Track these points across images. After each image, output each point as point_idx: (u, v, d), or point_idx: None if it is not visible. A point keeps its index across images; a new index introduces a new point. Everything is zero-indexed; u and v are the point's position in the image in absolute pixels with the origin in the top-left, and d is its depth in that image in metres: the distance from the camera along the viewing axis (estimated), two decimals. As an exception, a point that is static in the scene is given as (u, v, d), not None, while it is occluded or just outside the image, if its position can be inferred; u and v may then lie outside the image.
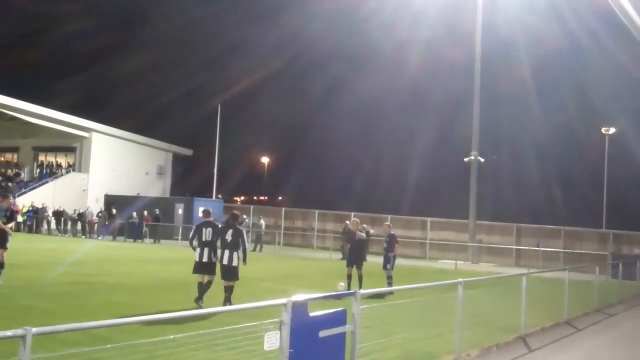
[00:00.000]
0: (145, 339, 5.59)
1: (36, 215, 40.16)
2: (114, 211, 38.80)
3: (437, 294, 10.16)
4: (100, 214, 39.46)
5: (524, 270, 15.31)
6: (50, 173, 50.80)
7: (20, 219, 35.88)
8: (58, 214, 40.76)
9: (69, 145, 50.75)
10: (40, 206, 41.18)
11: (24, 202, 40.96)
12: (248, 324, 5.91)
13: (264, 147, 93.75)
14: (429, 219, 37.79)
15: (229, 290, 11.89)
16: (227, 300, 11.76)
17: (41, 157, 53.91)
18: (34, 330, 3.99)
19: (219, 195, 53.39)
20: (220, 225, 12.51)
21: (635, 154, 48.14)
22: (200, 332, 5.99)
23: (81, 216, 39.88)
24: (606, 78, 62.48)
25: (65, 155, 52.43)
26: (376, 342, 8.12)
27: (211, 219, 12.76)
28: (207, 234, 12.24)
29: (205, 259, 12.18)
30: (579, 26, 41.93)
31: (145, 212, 37.24)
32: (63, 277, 16.22)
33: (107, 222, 38.33)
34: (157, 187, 53.27)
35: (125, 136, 51.99)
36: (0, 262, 13.90)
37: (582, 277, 17.37)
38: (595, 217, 44.22)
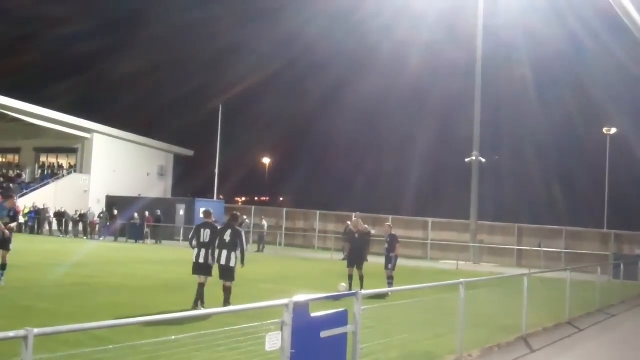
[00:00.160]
0: (146, 340, 5.60)
1: (38, 216, 40.19)
2: (116, 212, 38.84)
3: (439, 295, 10.15)
4: (101, 215, 39.49)
5: (525, 271, 15.28)
6: (51, 174, 50.87)
7: (21, 219, 35.90)
8: (59, 215, 40.81)
9: (70, 147, 50.81)
10: (41, 207, 41.21)
11: (25, 203, 40.99)
12: (249, 325, 5.91)
13: (265, 148, 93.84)
14: (430, 220, 37.79)
15: (227, 291, 11.87)
16: (226, 302, 11.75)
17: (43, 158, 53.98)
18: (36, 331, 4.00)
19: (221, 196, 53.39)
20: (220, 227, 12.50)
21: (636, 154, 48.12)
22: (202, 332, 5.99)
23: (83, 217, 39.92)
24: (607, 78, 62.43)
25: (67, 156, 52.51)
26: (378, 343, 8.12)
27: (213, 220, 12.75)
28: (205, 235, 12.23)
29: (201, 260, 12.17)
30: (580, 27, 41.92)
31: (147, 213, 37.27)
32: (64, 278, 16.23)
33: (108, 223, 38.36)
34: (158, 188, 53.32)
35: (126, 137, 52.04)
36: (2, 263, 13.95)
37: (584, 277, 17.36)
38: (597, 217, 44.23)
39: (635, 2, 10.37)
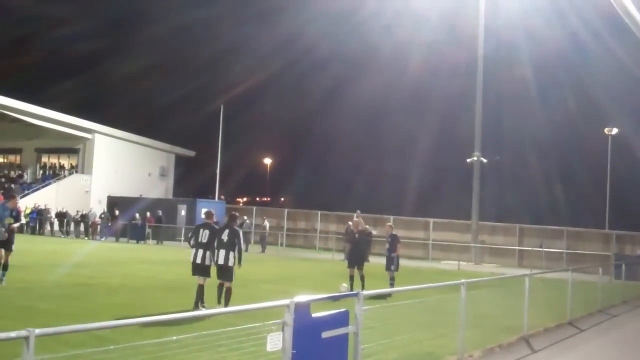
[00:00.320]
0: (148, 340, 5.60)
1: (39, 217, 40.23)
2: (117, 212, 38.87)
3: (440, 295, 10.15)
4: (103, 216, 39.53)
5: (526, 271, 15.28)
6: (53, 174, 50.92)
7: (23, 220, 35.94)
8: (61, 216, 40.85)
9: (71, 147, 50.85)
10: (43, 207, 41.25)
11: (27, 203, 41.02)
12: (251, 325, 5.91)
13: (267, 148, 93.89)
14: (431, 220, 37.79)
15: (227, 292, 11.83)
16: (227, 302, 11.71)
17: (44, 159, 54.02)
18: (37, 331, 4.00)
19: (222, 197, 53.44)
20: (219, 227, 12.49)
21: (638, 154, 48.06)
22: (203, 333, 6.00)
23: (84, 217, 39.96)
24: (608, 79, 62.37)
25: (68, 157, 52.54)
26: (379, 343, 8.12)
27: (214, 220, 12.74)
28: (203, 235, 12.23)
29: (198, 260, 12.17)
30: (581, 27, 41.91)
31: (148, 214, 37.29)
32: (66, 279, 16.24)
33: (109, 224, 38.40)
34: (159, 189, 53.36)
35: (127, 137, 52.09)
36: (5, 263, 13.97)
37: (585, 277, 17.36)
38: (598, 217, 44.17)
39: (636, 2, 10.36)
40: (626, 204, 49.58)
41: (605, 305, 16.09)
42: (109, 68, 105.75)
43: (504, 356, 9.66)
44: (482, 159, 35.56)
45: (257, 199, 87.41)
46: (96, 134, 49.86)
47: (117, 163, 50.16)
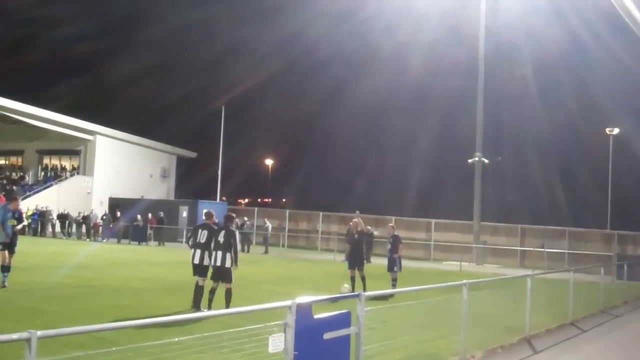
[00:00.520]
0: (150, 342, 5.60)
1: (41, 218, 40.25)
2: (118, 214, 38.88)
3: (442, 296, 10.13)
4: (104, 217, 39.55)
5: (528, 272, 15.24)
6: (54, 176, 50.98)
7: (25, 222, 35.98)
8: (63, 217, 40.87)
9: (73, 148, 50.93)
10: (44, 209, 41.27)
11: (28, 205, 41.08)
12: (252, 326, 5.91)
13: (268, 149, 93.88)
14: (433, 221, 37.77)
15: (227, 293, 11.80)
16: (227, 303, 11.68)
17: (45, 160, 54.09)
18: (39, 333, 4.01)
19: (223, 198, 53.45)
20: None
21: (639, 154, 48.01)
22: (205, 334, 6.00)
23: (85, 219, 39.99)
24: (610, 79, 62.34)
25: (70, 158, 52.62)
26: (381, 344, 8.12)
27: (215, 221, 12.74)
28: (202, 235, 12.24)
29: (196, 261, 12.18)
30: (582, 27, 41.87)
31: (150, 215, 37.31)
32: (67, 280, 16.25)
33: (111, 225, 38.42)
34: (161, 190, 53.40)
35: (129, 139, 52.14)
36: (7, 265, 13.98)
37: (587, 278, 17.34)
38: (600, 218, 44.13)
39: (636, 2, 10.36)
40: (628, 204, 49.55)
41: (607, 305, 16.07)
42: (110, 69, 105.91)
43: (506, 357, 9.65)
44: (484, 159, 35.54)
45: (259, 200, 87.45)
46: (97, 136, 49.92)
47: (118, 164, 50.21)
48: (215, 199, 47.75)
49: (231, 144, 55.38)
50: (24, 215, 16.14)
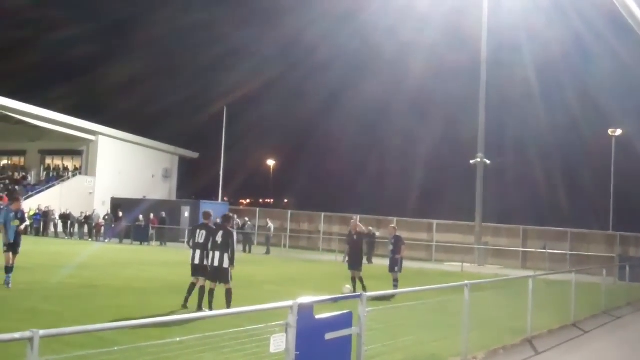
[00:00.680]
0: (151, 341, 5.61)
1: (43, 218, 40.31)
2: (121, 214, 38.91)
3: (443, 297, 10.14)
4: (106, 217, 39.58)
5: (530, 273, 15.26)
6: (57, 176, 51.03)
7: (27, 222, 36.01)
8: (65, 217, 40.91)
9: (75, 149, 50.98)
10: (47, 209, 41.32)
11: (31, 205, 41.12)
12: (254, 327, 5.92)
13: (270, 150, 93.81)
14: (435, 222, 37.75)
15: (227, 293, 11.79)
16: (228, 303, 11.68)
17: (48, 161, 54.15)
18: (41, 332, 4.01)
19: (225, 198, 53.47)
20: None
21: (642, 155, 47.94)
22: (207, 334, 6.01)
23: (88, 219, 40.03)
24: (612, 80, 62.30)
25: (72, 159, 52.68)
26: (382, 345, 8.12)
27: (215, 221, 12.73)
28: (200, 236, 12.22)
29: (196, 261, 12.16)
30: (585, 28, 41.84)
31: (152, 215, 37.34)
32: (69, 280, 16.27)
33: (113, 225, 38.47)
34: (163, 190, 53.45)
35: (131, 139, 52.20)
36: (10, 265, 13.99)
37: (589, 279, 17.31)
38: (602, 219, 44.06)
39: (639, 2, 10.35)
40: (630, 205, 49.45)
41: (609, 307, 16.05)
42: (113, 70, 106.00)
43: (508, 358, 9.64)
44: (486, 160, 35.52)
45: (260, 200, 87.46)
46: (100, 136, 49.97)
47: (120, 165, 50.26)
48: (217, 200, 47.76)
49: (233, 144, 55.46)
50: (26, 215, 16.14)
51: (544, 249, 32.22)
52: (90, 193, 48.37)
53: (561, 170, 65.27)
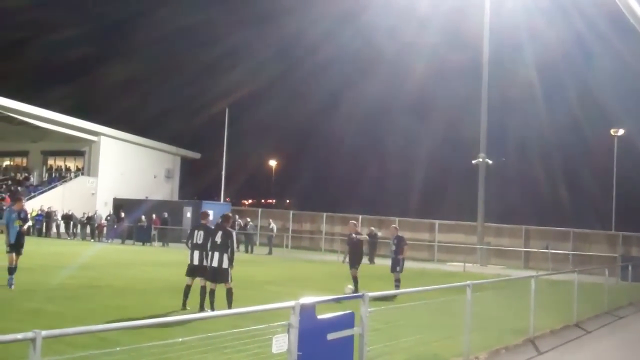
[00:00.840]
0: (153, 342, 5.61)
1: (46, 219, 40.36)
2: (123, 214, 38.94)
3: (446, 297, 10.13)
4: (109, 218, 39.61)
5: (532, 273, 15.24)
6: (59, 177, 51.08)
7: (29, 222, 36.06)
8: (67, 218, 40.96)
9: (77, 149, 51.03)
10: (49, 210, 41.37)
11: (33, 206, 41.17)
12: (256, 327, 5.92)
13: (272, 150, 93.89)
14: (437, 222, 37.73)
15: (228, 293, 11.77)
16: (229, 303, 11.67)
17: (50, 161, 54.20)
18: (44, 333, 4.02)
19: (227, 199, 53.48)
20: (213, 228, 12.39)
21: (644, 155, 47.88)
22: (209, 334, 6.01)
23: (90, 220, 40.07)
24: (614, 79, 62.23)
25: (74, 159, 52.73)
26: (384, 345, 8.12)
27: (216, 221, 12.72)
28: (198, 236, 12.17)
29: (196, 262, 12.12)
30: (587, 28, 41.81)
31: (154, 216, 37.37)
32: (72, 281, 16.27)
33: (115, 226, 38.51)
34: (165, 191, 53.49)
35: (133, 140, 52.24)
36: (13, 266, 13.98)
37: (592, 279, 17.29)
38: (605, 219, 43.99)
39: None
40: (633, 205, 49.41)
41: (611, 307, 16.03)
42: (115, 70, 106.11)
43: (510, 358, 9.63)
44: (488, 160, 35.50)
45: (262, 201, 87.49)
46: (102, 137, 50.02)
47: (122, 165, 50.30)
48: (219, 200, 47.80)
49: (235, 145, 55.58)
50: (29, 216, 16.16)
51: (547, 249, 32.18)
52: (93, 194, 48.41)
53: (563, 170, 65.22)
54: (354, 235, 16.91)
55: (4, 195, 45.41)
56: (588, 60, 66.04)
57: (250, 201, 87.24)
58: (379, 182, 78.98)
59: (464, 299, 9.19)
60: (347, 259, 17.06)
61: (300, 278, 21.07)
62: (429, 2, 38.88)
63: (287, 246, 36.65)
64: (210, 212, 13.57)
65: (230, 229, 12.15)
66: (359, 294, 7.66)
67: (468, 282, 9.33)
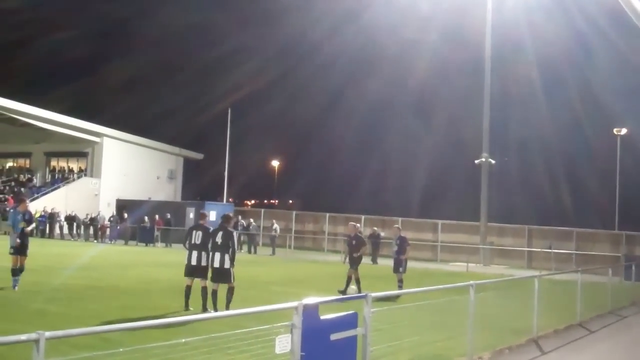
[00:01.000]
0: (156, 343, 5.62)
1: (49, 220, 40.43)
2: (126, 215, 38.99)
3: (449, 297, 10.12)
4: (112, 218, 39.66)
5: (536, 273, 15.23)
6: (62, 178, 51.14)
7: (34, 223, 36.10)
8: (70, 219, 41.01)
9: (80, 150, 51.09)
10: (52, 211, 41.42)
11: (36, 207, 41.22)
12: (259, 327, 5.92)
13: (274, 151, 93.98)
14: (439, 222, 37.70)
15: (229, 291, 11.79)
16: (228, 301, 11.69)
17: (53, 162, 54.27)
18: (47, 334, 4.02)
19: (230, 199, 53.50)
20: (211, 229, 12.41)
21: (647, 154, 47.78)
22: (212, 335, 6.01)
23: (93, 221, 40.13)
24: (617, 78, 62.09)
25: (77, 160, 52.80)
26: (387, 345, 8.11)
27: (216, 221, 12.75)
28: (196, 236, 12.19)
29: (194, 262, 12.13)
30: (589, 27, 41.73)
31: (157, 216, 37.40)
32: (75, 281, 16.30)
33: (118, 227, 38.55)
34: (167, 191, 53.55)
35: (136, 141, 52.30)
36: (20, 268, 13.99)
37: (595, 279, 17.27)
38: (608, 218, 43.92)
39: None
40: (636, 204, 49.29)
41: (615, 306, 16.00)
42: (117, 71, 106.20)
43: (514, 358, 9.62)
44: (490, 160, 35.47)
45: (265, 201, 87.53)
46: (105, 138, 50.09)
47: (125, 166, 50.35)
48: (222, 201, 47.81)
49: (238, 145, 55.53)
50: (33, 217, 16.17)
51: (550, 248, 32.14)
52: (96, 195, 48.47)
53: (566, 169, 65.11)
54: (352, 236, 16.93)
55: (7, 196, 45.53)
56: (591, 59, 65.92)
57: (253, 202, 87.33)
58: (381, 182, 78.98)
59: (467, 299, 9.18)
60: (348, 259, 17.07)
61: (303, 278, 21.07)
62: (431, 0, 38.84)
63: (290, 247, 36.65)
64: (213, 213, 13.60)
65: (230, 229, 12.18)
66: (362, 294, 7.66)
67: (471, 282, 9.32)
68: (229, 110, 48.84)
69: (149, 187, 50.14)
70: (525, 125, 72.27)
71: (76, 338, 5.62)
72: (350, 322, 6.69)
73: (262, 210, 44.61)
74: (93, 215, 40.77)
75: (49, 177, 52.70)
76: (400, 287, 16.30)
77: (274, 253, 33.05)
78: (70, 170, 52.79)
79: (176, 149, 56.49)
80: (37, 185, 50.70)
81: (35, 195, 45.61)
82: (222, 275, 11.78)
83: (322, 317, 6.26)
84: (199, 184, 63.90)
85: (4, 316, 10.75)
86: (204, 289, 11.98)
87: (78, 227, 40.74)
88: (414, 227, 36.78)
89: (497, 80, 38.31)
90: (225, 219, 12.50)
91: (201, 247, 12.04)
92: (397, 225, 19.75)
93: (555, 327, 12.25)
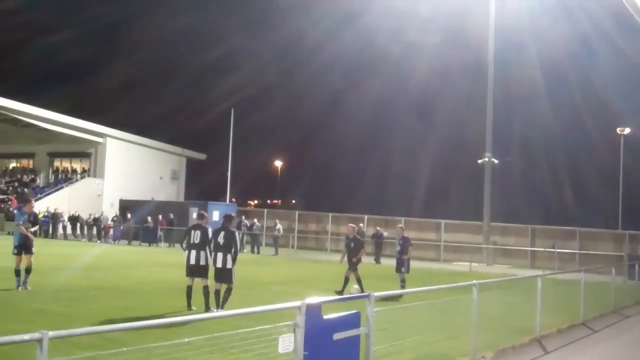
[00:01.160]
0: (159, 342, 5.62)
1: (52, 220, 40.51)
2: (129, 215, 39.04)
3: (452, 296, 10.11)
4: (115, 219, 39.71)
5: (539, 272, 15.20)
6: (65, 178, 51.26)
7: (39, 223, 36.16)
8: (73, 219, 41.10)
9: (83, 151, 51.20)
10: (55, 211, 41.50)
11: (39, 207, 41.29)
12: (262, 327, 5.92)
13: (277, 151, 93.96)
14: (443, 221, 37.67)
15: (227, 292, 11.80)
16: (224, 300, 11.70)
17: (56, 163, 54.39)
18: (51, 334, 4.03)
19: (233, 199, 53.53)
20: (210, 229, 12.39)
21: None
22: (215, 335, 6.02)
23: (96, 221, 40.20)
24: (620, 78, 61.99)
25: (80, 161, 52.91)
26: (390, 345, 8.11)
27: (219, 221, 12.77)
28: (195, 236, 12.21)
29: (192, 262, 12.14)
30: (592, 27, 41.68)
31: (160, 216, 37.44)
32: (78, 281, 16.33)
33: (121, 227, 38.60)
34: (170, 192, 53.61)
35: (139, 141, 52.38)
36: (27, 267, 14.01)
37: (598, 278, 17.23)
38: (611, 217, 43.86)
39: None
40: (639, 203, 49.22)
41: (618, 306, 15.97)
42: (120, 71, 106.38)
43: (517, 357, 9.61)
44: (494, 159, 35.44)
45: (268, 201, 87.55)
46: (108, 138, 50.18)
47: (128, 166, 50.43)
48: (225, 201, 47.84)
49: (240, 145, 55.55)
50: (38, 217, 16.21)
51: (553, 248, 32.10)
52: (99, 195, 48.56)
53: (569, 169, 65.02)
54: (351, 238, 16.90)
55: (10, 197, 45.63)
56: (594, 59, 65.86)
57: (255, 202, 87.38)
58: (384, 182, 78.94)
59: (470, 298, 9.18)
60: (345, 259, 17.03)
61: (306, 278, 21.08)
62: (433, 2, 38.83)
63: (293, 246, 36.64)
64: (216, 213, 13.62)
65: (232, 229, 12.21)
66: (364, 293, 7.66)
67: (474, 281, 9.32)
68: (232, 110, 48.92)
69: (151, 187, 50.21)
70: (529, 124, 72.25)
71: (79, 338, 5.65)
72: (353, 321, 6.69)
73: (265, 210, 44.62)
74: (96, 216, 40.85)
75: (52, 178, 52.83)
76: (403, 287, 16.30)
77: (276, 253, 33.05)
78: (74, 171, 52.90)
79: (179, 149, 56.56)
80: (41, 185, 50.82)
81: (39, 196, 45.69)
82: (224, 275, 11.80)
83: (325, 317, 6.26)
84: (201, 184, 63.93)
85: (8, 316, 10.78)
86: (206, 289, 11.98)
87: (81, 227, 40.83)
88: (417, 226, 36.77)
89: (499, 80, 38.24)
90: (227, 218, 12.52)
91: (200, 247, 12.06)
92: (400, 225, 19.74)
93: (558, 327, 12.23)
